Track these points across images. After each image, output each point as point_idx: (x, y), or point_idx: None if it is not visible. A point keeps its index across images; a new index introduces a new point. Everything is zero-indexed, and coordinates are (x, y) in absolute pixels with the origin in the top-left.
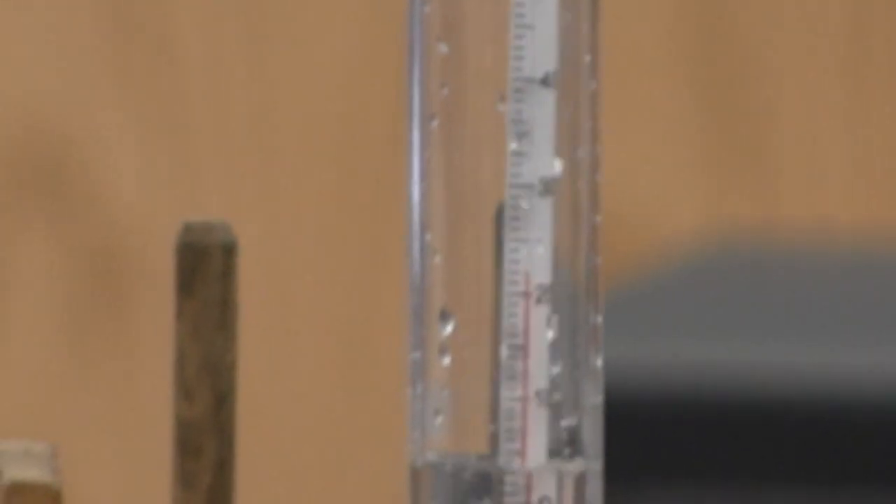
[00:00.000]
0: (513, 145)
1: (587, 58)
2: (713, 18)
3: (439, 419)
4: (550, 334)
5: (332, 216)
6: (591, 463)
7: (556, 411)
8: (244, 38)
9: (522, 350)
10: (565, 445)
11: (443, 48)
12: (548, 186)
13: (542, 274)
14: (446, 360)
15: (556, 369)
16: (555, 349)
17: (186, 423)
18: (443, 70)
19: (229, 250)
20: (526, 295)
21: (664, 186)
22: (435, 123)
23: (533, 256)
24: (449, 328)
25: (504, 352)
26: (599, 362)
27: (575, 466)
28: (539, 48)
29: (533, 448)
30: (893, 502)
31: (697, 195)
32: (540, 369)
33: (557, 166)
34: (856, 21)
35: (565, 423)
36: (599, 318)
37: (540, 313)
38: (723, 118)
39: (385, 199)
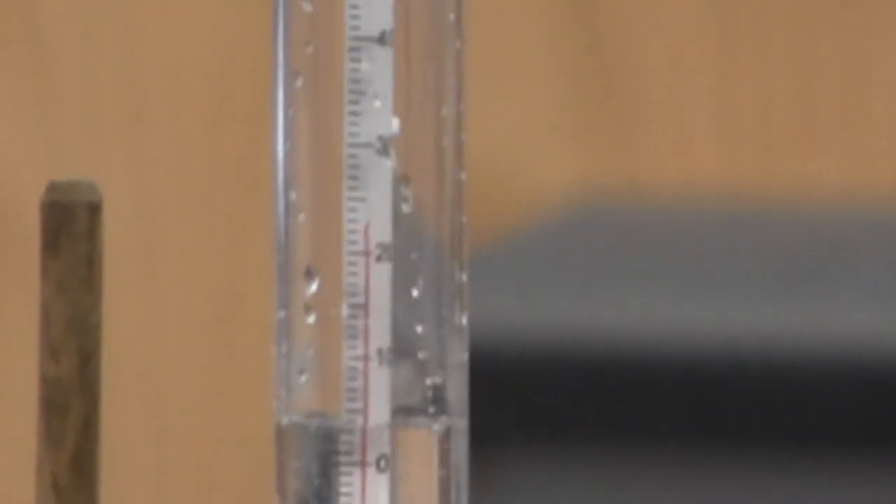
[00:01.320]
0: (349, 104)
1: (451, 16)
2: None
3: (304, 378)
4: (414, 292)
5: (199, 174)
6: (456, 421)
7: (420, 369)
8: None
9: (363, 309)
10: (430, 403)
11: (307, 6)
12: (386, 145)
13: (382, 232)
14: (311, 319)
15: (420, 327)
16: (418, 307)
17: (52, 381)
18: (307, 28)
19: (94, 209)
20: (366, 254)
21: (531, 147)
22: (299, 82)
23: (372, 215)
24: (314, 287)
25: (345, 310)
26: (464, 320)
27: (440, 424)
28: (375, 7)
29: (375, 407)
30: (747, 452)
31: (565, 156)
32: (382, 328)
33: (395, 125)
34: None
35: (430, 380)
36: (464, 276)
37: (381, 271)
38: (589, 79)
39: (252, 157)
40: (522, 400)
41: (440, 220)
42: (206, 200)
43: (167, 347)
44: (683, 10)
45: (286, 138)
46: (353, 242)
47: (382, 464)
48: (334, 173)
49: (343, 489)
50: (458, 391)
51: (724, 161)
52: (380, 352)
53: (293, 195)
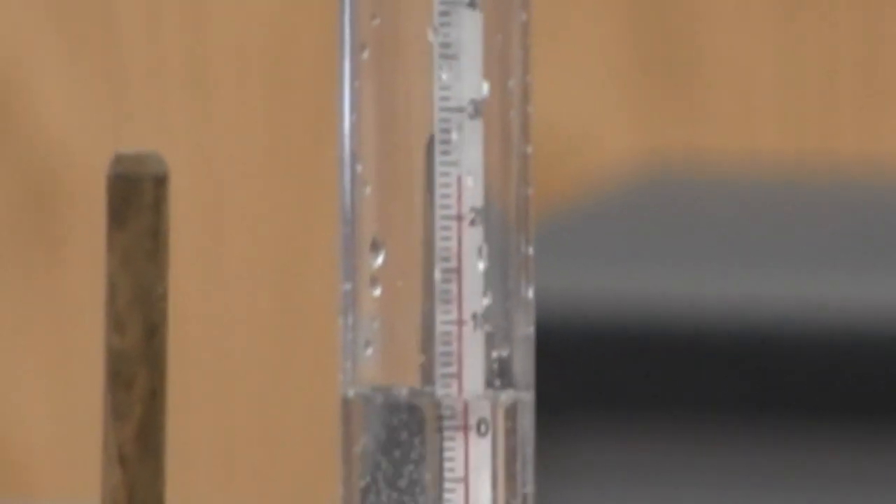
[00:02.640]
0: (440, 69)
1: None
2: None
3: (370, 350)
4: (481, 265)
5: (264, 147)
6: (523, 394)
7: (487, 342)
8: None
9: (456, 273)
10: (496, 376)
11: None
12: (478, 109)
13: (474, 197)
14: (377, 291)
15: (487, 300)
16: (486, 280)
17: (118, 354)
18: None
19: (161, 181)
20: (458, 218)
21: (596, 118)
22: (366, 53)
23: (465, 179)
24: (380, 259)
25: (438, 275)
26: (530, 293)
27: (506, 397)
28: None
29: (469, 372)
30: (821, 428)
31: (628, 126)
32: (474, 293)
33: (486, 88)
34: None
35: (496, 353)
36: (530, 249)
37: (474, 235)
38: (654, 50)
39: (317, 129)
40: (588, 373)
41: (506, 192)
42: (270, 172)
43: (233, 319)
44: None
45: (352, 110)
46: (447, 206)
47: (483, 428)
48: (402, 144)
49: (447, 454)
50: (524, 364)
51: (788, 131)
52: (474, 316)
53: (359, 167)
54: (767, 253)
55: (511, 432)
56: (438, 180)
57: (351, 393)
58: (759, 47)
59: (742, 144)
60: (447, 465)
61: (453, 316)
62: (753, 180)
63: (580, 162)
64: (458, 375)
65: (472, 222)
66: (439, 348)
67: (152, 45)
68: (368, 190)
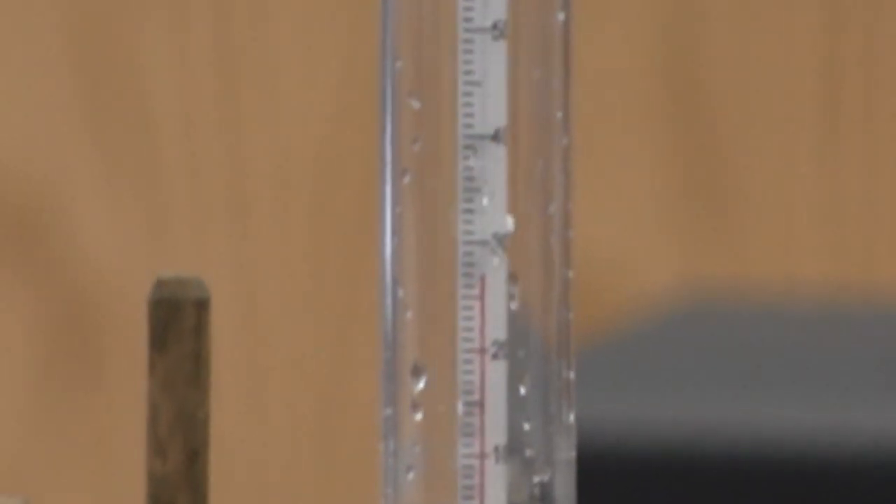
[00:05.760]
0: (463, 202)
1: (558, 114)
2: (684, 78)
3: (411, 475)
4: (522, 390)
5: (304, 271)
6: None
7: (527, 467)
8: (217, 92)
9: (479, 406)
10: (538, 501)
11: (415, 103)
12: (501, 243)
13: (497, 330)
14: (418, 416)
15: (528, 425)
16: (526, 405)
17: (159, 479)
18: (415, 125)
19: (202, 305)
20: (481, 351)
21: (636, 243)
22: (407, 178)
23: (487, 312)
24: (421, 384)
25: (460, 408)
26: (572, 418)
27: None
28: (488, 104)
29: None
30: None
31: (669, 252)
32: (497, 425)
33: (510, 223)
34: (827, 79)
35: (537, 478)
36: (571, 374)
37: (497, 369)
38: (693, 176)
39: (358, 254)
40: (630, 498)
41: (547, 317)
42: (311, 296)
43: (274, 444)
44: (790, 105)
45: (394, 235)
46: (469, 340)
47: None
48: (443, 270)
49: None
50: (565, 489)
51: (829, 259)
52: (496, 449)
53: (401, 292)
54: (808, 383)
55: None
56: (461, 313)
57: None
58: (799, 171)
59: (783, 272)
60: None
61: (475, 449)
62: (794, 308)
63: (619, 287)
64: None
65: (495, 356)
66: (461, 481)
67: (192, 166)
68: (409, 314)
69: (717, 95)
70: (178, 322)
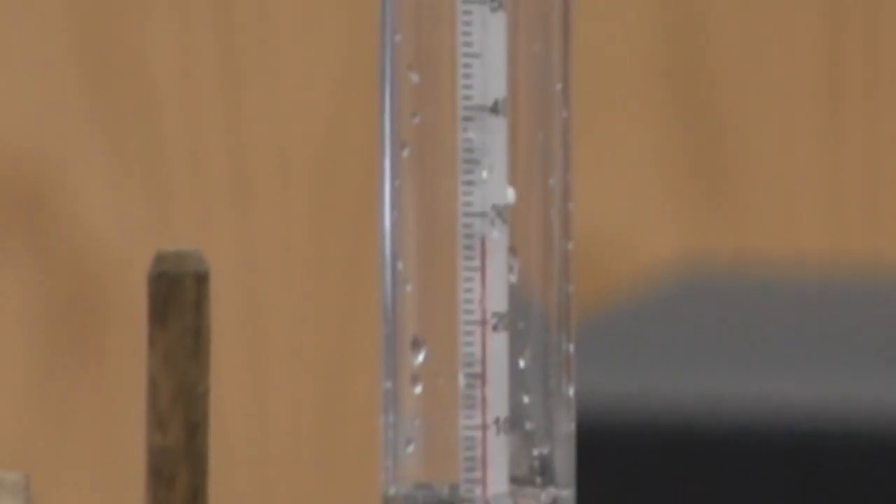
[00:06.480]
0: (463, 174)
1: (558, 86)
2: (688, 50)
3: (411, 448)
4: (521, 363)
5: (305, 245)
6: (563, 491)
7: (527, 440)
8: (218, 68)
9: (480, 378)
10: (537, 474)
11: (414, 77)
12: (501, 215)
13: (498, 301)
14: (418, 389)
15: (528, 398)
16: (526, 378)
17: (160, 452)
18: (414, 98)
19: (202, 279)
20: (482, 323)
21: (637, 217)
22: (406, 152)
23: (488, 284)
24: (420, 357)
25: (462, 380)
26: (571, 391)
27: (547, 495)
28: (488, 76)
29: (494, 476)
30: None
31: (670, 227)
32: (499, 397)
33: (510, 195)
34: (831, 51)
35: (537, 451)
36: (571, 347)
37: (498, 341)
38: (695, 150)
39: (358, 227)
40: (629, 471)
41: (547, 290)
42: (312, 270)
43: (274, 417)
44: (793, 81)
45: (393, 208)
46: (469, 312)
47: None
48: (442, 243)
49: None
50: (565, 462)
51: (831, 233)
52: (497, 421)
53: (400, 265)
54: (809, 356)
55: None
56: (462, 285)
57: (392, 491)
58: (801, 146)
59: (783, 246)
60: None
61: (477, 421)
62: (795, 282)
63: (619, 260)
64: (483, 481)
65: (496, 328)
66: (463, 453)
67: (194, 143)
68: (409, 288)
69: (720, 69)
70: (177, 296)
